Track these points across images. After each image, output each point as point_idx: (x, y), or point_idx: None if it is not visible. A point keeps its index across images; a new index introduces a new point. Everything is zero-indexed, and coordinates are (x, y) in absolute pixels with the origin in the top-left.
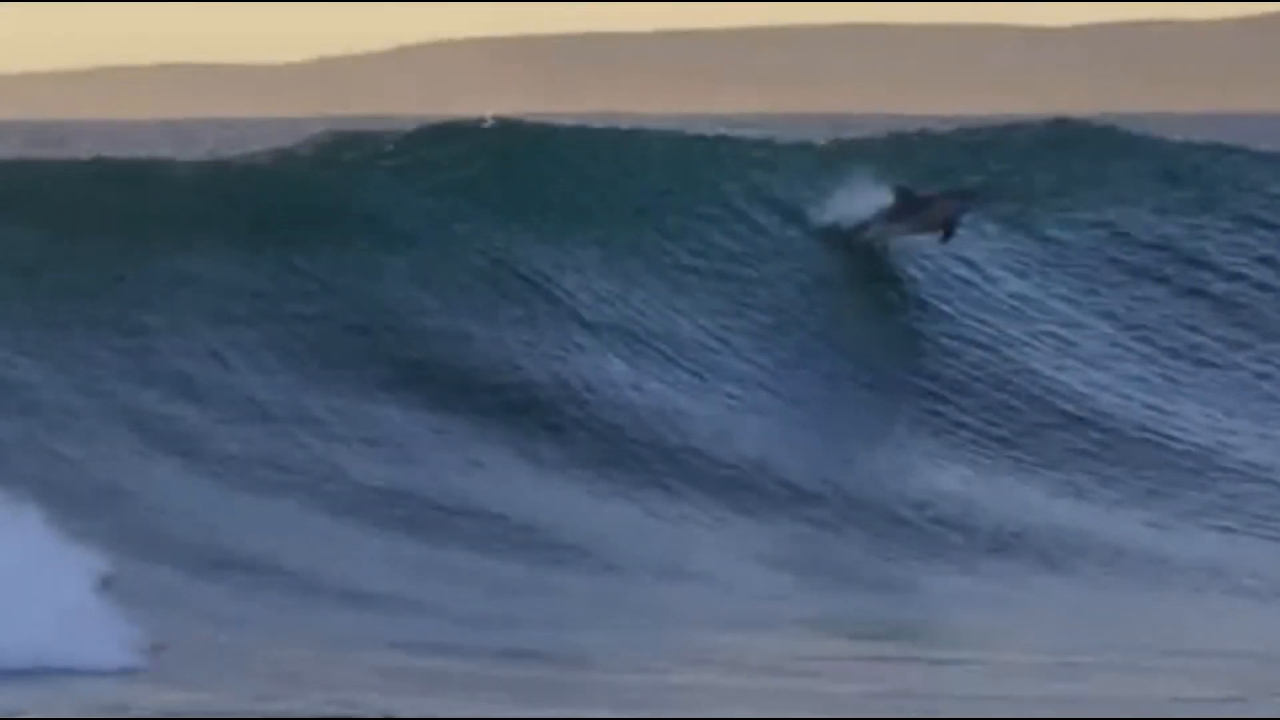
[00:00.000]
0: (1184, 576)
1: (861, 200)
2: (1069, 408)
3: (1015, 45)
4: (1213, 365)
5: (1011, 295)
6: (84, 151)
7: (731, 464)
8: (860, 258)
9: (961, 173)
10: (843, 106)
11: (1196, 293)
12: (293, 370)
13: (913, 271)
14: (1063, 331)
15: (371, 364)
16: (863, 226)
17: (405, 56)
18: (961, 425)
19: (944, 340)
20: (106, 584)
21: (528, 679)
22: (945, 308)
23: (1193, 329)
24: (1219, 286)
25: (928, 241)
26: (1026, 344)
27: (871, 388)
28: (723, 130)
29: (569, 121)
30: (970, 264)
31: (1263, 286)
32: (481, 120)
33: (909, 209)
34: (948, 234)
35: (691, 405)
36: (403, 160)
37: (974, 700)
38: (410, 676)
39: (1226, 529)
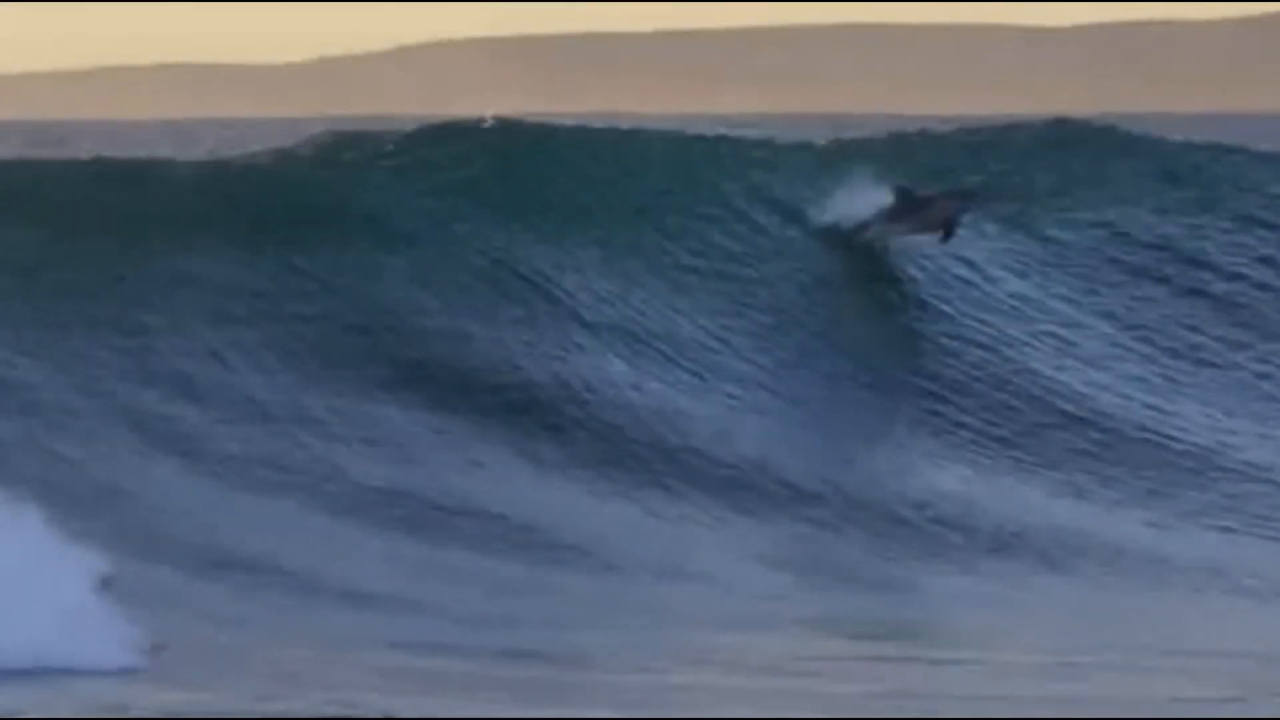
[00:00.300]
0: (1184, 576)
1: (861, 200)
2: (1069, 408)
3: (1015, 45)
4: (1213, 365)
5: (1011, 295)
6: (84, 151)
7: (731, 464)
8: (860, 258)
9: (961, 173)
10: (843, 106)
11: (1197, 293)
12: (293, 370)
13: (913, 271)
14: (1063, 331)
15: (372, 364)
16: (863, 226)
17: (405, 56)
18: (961, 425)
19: (944, 340)
20: (106, 584)
21: (528, 679)
22: (945, 308)
23: (1193, 329)
24: (1219, 286)
25: (928, 241)
26: (1026, 344)
27: (871, 388)
28: (723, 130)
29: (569, 121)
30: (970, 264)
31: (1263, 286)
32: (481, 120)
33: (909, 209)
34: (948, 234)
35: (692, 405)
36: (403, 160)
37: (974, 700)
38: (410, 676)
39: (1226, 529)
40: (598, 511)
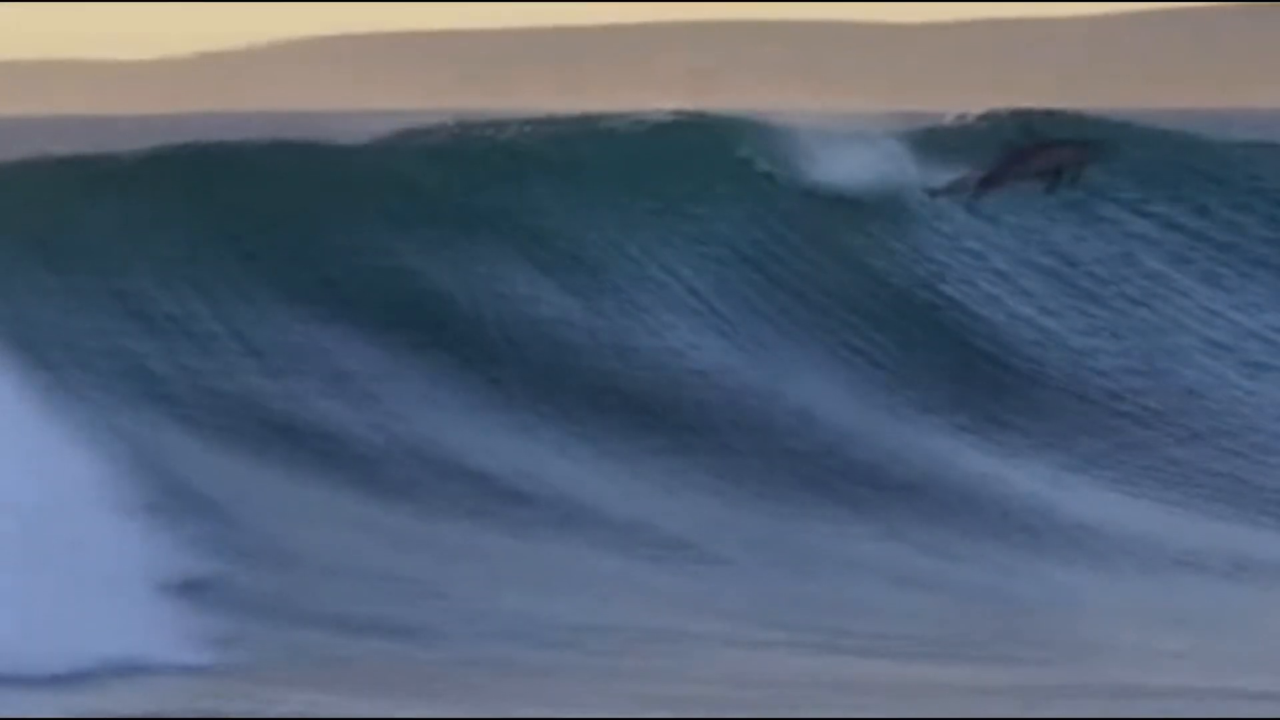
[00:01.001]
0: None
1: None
2: (984, 345)
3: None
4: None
5: (962, 231)
6: None
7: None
8: (822, 196)
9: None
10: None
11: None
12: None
13: (877, 213)
14: (1003, 267)
15: (281, 282)
16: (969, 178)
17: (265, 54)
18: (873, 361)
19: (885, 276)
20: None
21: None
22: (896, 244)
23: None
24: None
25: (1035, 188)
26: (964, 281)
27: (788, 313)
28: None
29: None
30: (929, 205)
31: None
32: (441, 123)
33: (1020, 156)
34: (1056, 182)
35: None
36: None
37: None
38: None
39: (1109, 484)
40: (469, 437)
